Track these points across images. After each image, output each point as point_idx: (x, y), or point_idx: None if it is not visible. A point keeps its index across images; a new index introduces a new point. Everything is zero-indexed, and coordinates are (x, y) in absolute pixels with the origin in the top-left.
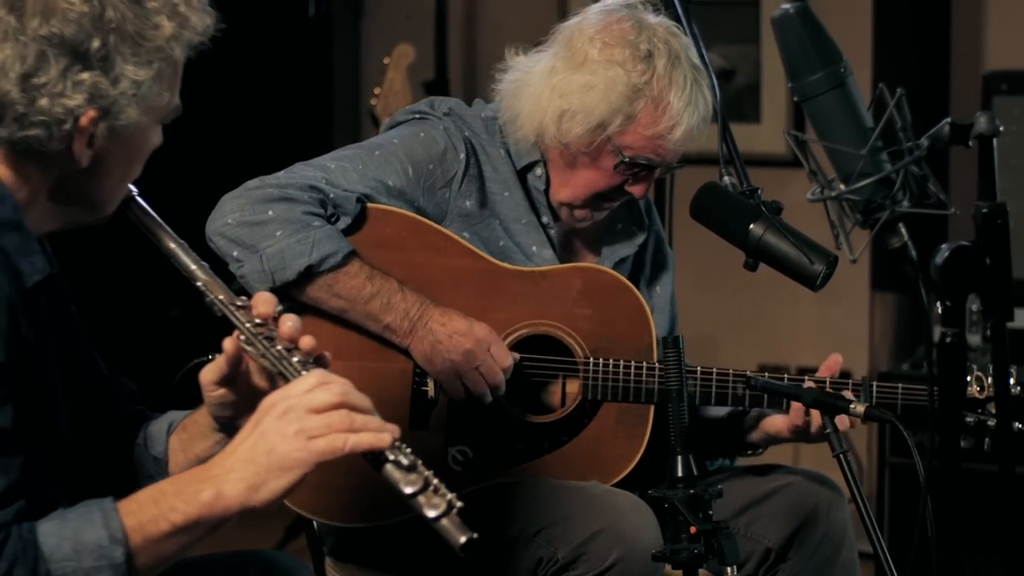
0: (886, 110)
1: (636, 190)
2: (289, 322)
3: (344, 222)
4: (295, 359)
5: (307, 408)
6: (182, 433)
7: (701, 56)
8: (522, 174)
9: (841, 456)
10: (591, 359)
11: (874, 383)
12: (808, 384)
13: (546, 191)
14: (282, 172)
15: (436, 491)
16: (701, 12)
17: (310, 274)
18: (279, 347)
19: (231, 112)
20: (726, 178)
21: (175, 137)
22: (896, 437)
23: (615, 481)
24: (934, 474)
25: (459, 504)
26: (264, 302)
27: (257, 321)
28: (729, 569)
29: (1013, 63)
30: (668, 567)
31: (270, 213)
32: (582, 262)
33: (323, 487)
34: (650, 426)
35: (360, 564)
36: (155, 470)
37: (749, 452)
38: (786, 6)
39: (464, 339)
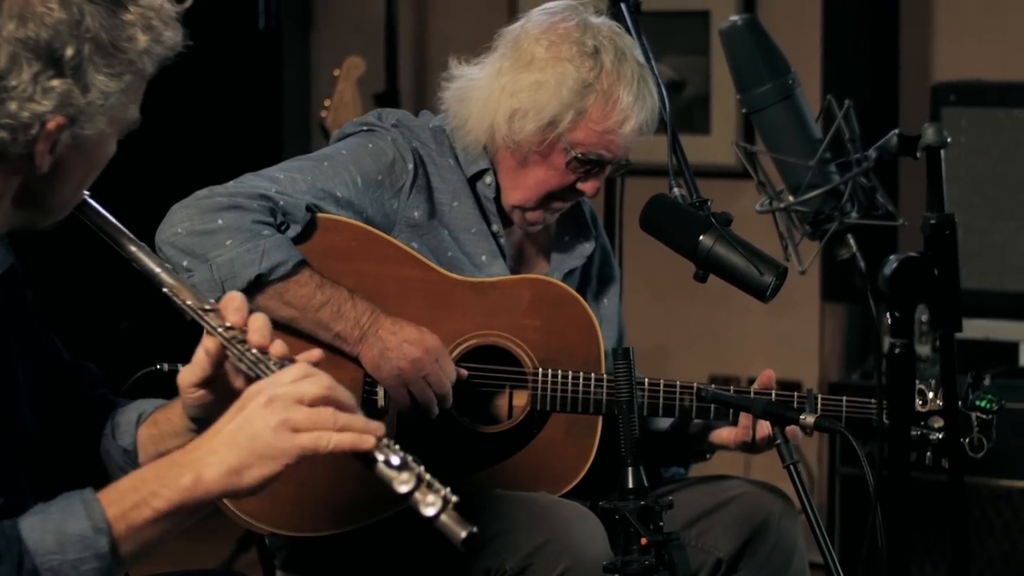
0: (834, 121)
1: (587, 187)
2: (257, 331)
3: (294, 230)
4: (271, 362)
5: (293, 398)
6: (152, 428)
7: (650, 66)
8: (472, 182)
9: (792, 467)
10: (540, 370)
11: (819, 395)
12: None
13: (496, 199)
14: (231, 182)
15: (431, 487)
16: (651, 23)
17: (260, 283)
18: (254, 351)
19: (181, 124)
20: (676, 189)
21: (126, 147)
22: (846, 448)
23: (564, 491)
24: (884, 484)
25: (455, 499)
26: (236, 309)
27: (228, 324)
28: None
29: (961, 74)
30: None
31: (220, 222)
32: (532, 272)
33: (272, 497)
34: (599, 437)
35: None
36: (124, 461)
37: (694, 461)
38: (734, 18)
39: (413, 348)
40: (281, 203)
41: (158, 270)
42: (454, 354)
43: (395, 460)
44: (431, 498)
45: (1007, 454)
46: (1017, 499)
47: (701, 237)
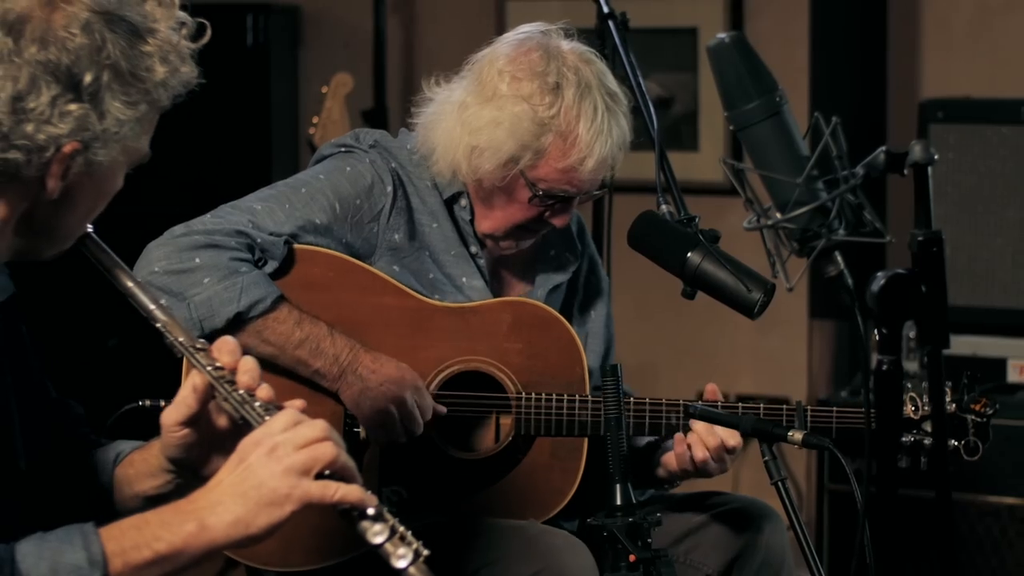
0: (822, 138)
1: (557, 221)
2: (247, 372)
3: (271, 266)
4: (257, 404)
5: (294, 445)
6: (129, 468)
7: (638, 85)
8: (449, 205)
9: (779, 484)
10: (523, 394)
11: (808, 407)
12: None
13: (472, 221)
14: (208, 216)
15: (403, 539)
16: (638, 40)
17: (239, 321)
18: (241, 391)
19: (168, 142)
20: (663, 207)
21: None
22: (834, 464)
23: (551, 515)
24: (872, 500)
25: (425, 552)
26: (229, 351)
27: (218, 364)
28: None
29: (949, 91)
30: None
31: (197, 260)
32: (514, 292)
33: None
34: (584, 459)
35: None
36: (99, 500)
37: (663, 487)
38: (722, 35)
39: (394, 387)
40: (259, 240)
41: (152, 307)
42: (436, 381)
43: (371, 511)
44: (402, 550)
45: (995, 470)
46: (1005, 515)
47: (689, 254)
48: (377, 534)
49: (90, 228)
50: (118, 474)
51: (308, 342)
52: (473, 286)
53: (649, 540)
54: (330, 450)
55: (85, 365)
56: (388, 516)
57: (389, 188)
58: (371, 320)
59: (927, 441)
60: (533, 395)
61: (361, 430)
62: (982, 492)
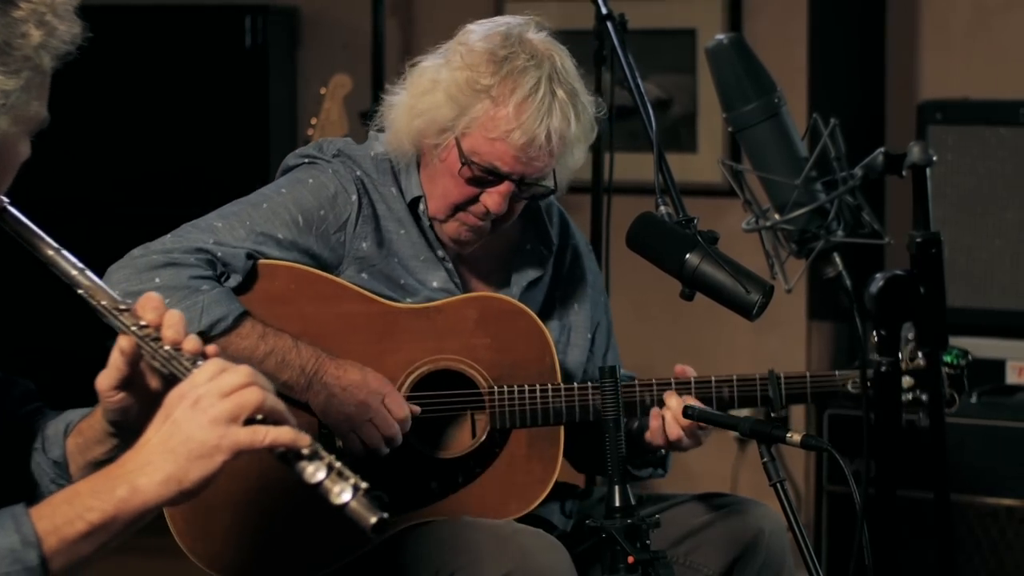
0: (820, 140)
1: (488, 200)
2: (172, 327)
3: (235, 280)
4: (184, 359)
5: (218, 394)
6: (78, 437)
7: (637, 86)
8: (413, 210)
9: (778, 485)
10: (495, 388)
11: (782, 374)
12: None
13: (432, 226)
14: (168, 236)
15: (340, 475)
16: (637, 41)
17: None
18: (167, 347)
19: (168, 143)
20: (662, 208)
21: (113, 169)
22: (833, 465)
23: (534, 506)
24: (870, 502)
25: (364, 485)
26: (152, 308)
27: (142, 323)
28: None
29: (947, 92)
30: None
31: (157, 280)
32: (491, 290)
33: (238, 549)
34: (562, 447)
35: None
36: (56, 474)
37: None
38: (720, 36)
39: (358, 391)
40: (219, 254)
41: (74, 272)
42: (407, 383)
43: (305, 450)
44: (340, 485)
45: (994, 472)
46: (1004, 517)
47: (687, 255)
48: (314, 473)
49: (5, 200)
50: (69, 444)
51: (273, 355)
52: (444, 289)
53: (648, 541)
54: (256, 395)
55: (83, 365)
56: (324, 454)
57: (354, 197)
58: (336, 329)
59: (905, 397)
60: (505, 388)
61: (338, 440)
62: (981, 494)
